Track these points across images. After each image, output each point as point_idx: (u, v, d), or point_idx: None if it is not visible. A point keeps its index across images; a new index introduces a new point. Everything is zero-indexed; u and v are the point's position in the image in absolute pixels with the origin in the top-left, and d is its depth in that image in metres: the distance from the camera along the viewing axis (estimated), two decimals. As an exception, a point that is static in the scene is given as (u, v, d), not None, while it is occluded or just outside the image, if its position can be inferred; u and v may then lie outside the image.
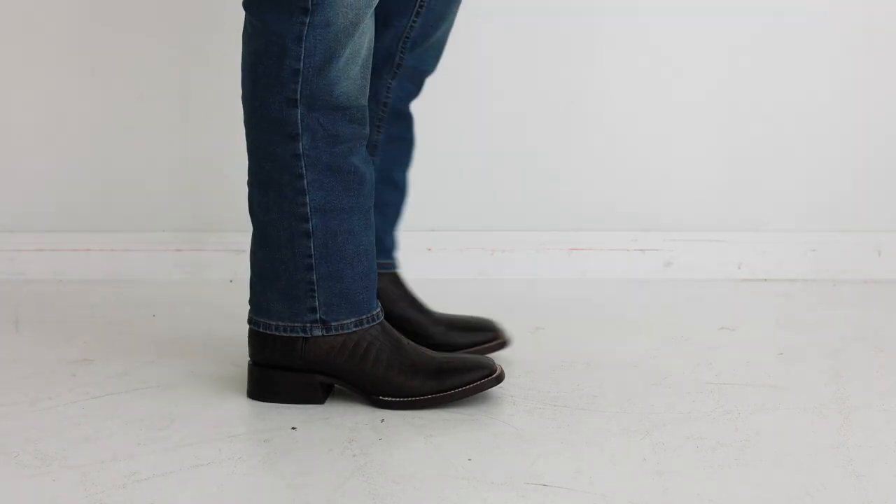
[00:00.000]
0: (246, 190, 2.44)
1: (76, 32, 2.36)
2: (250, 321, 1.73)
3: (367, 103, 1.68)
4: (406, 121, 1.85)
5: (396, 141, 1.85)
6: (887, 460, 1.54)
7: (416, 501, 1.41)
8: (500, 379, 1.68)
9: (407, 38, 1.78)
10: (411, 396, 1.66)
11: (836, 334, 2.06)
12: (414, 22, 1.78)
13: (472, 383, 1.67)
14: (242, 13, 2.37)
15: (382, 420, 1.64)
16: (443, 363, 1.68)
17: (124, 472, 1.47)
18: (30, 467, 1.48)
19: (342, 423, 1.63)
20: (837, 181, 2.44)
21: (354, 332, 1.68)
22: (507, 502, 1.41)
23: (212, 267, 2.39)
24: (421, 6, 1.77)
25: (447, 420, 1.65)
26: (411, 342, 1.72)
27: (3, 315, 2.13)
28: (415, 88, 1.85)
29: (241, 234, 2.41)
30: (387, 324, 1.72)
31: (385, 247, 1.87)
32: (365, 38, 1.63)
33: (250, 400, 1.71)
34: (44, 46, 2.36)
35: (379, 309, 1.71)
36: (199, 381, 1.80)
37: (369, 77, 1.67)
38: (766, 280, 2.42)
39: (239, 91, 2.39)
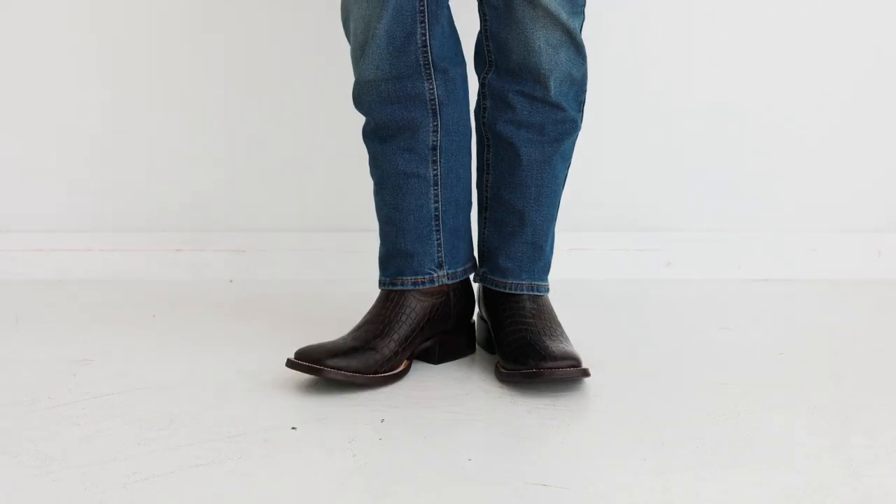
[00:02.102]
0: (246, 189, 2.45)
1: (77, 33, 2.36)
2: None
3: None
4: (504, 142, 1.85)
5: (503, 162, 1.86)
6: (887, 460, 1.54)
7: (416, 501, 1.41)
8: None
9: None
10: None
11: (836, 334, 2.06)
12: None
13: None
14: (243, 13, 2.37)
15: (382, 420, 1.64)
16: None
17: (124, 472, 1.47)
18: (30, 467, 1.48)
19: (342, 423, 1.63)
20: (837, 181, 2.45)
21: None
22: (507, 502, 1.41)
23: (212, 267, 2.39)
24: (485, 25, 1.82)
25: (447, 420, 1.65)
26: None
27: (3, 315, 2.13)
28: (500, 104, 1.84)
29: (241, 233, 2.41)
30: None
31: (497, 265, 1.89)
32: (358, 24, 1.77)
33: (250, 400, 1.72)
34: (43, 47, 2.36)
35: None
36: (199, 381, 1.80)
37: (382, 57, 1.77)
38: (766, 280, 2.42)
39: (238, 91, 2.40)
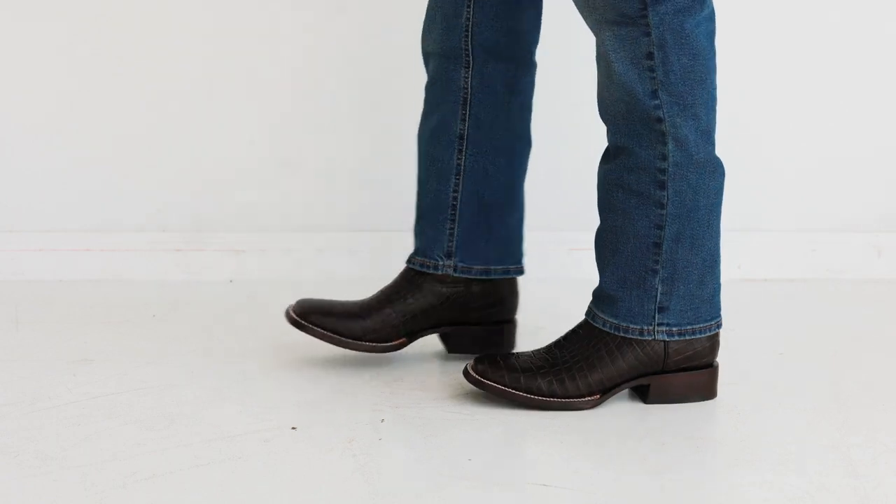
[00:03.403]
0: (246, 189, 2.45)
1: (76, 33, 2.36)
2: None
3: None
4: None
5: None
6: (887, 460, 1.54)
7: (416, 501, 1.41)
8: None
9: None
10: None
11: (836, 334, 2.06)
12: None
13: None
14: (243, 12, 2.37)
15: (382, 420, 1.64)
16: None
17: (124, 472, 1.47)
18: (30, 467, 1.48)
19: (342, 423, 1.63)
20: (837, 181, 2.44)
21: None
22: (507, 502, 1.41)
23: (212, 267, 2.39)
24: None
25: (447, 420, 1.65)
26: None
27: (3, 315, 2.13)
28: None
29: (241, 234, 2.41)
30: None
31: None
32: None
33: (250, 400, 1.72)
34: (42, 46, 2.36)
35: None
36: (199, 381, 1.80)
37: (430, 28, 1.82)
38: (766, 280, 2.42)
39: (238, 91, 2.40)
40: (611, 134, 1.69)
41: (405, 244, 2.41)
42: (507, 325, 1.90)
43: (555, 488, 1.44)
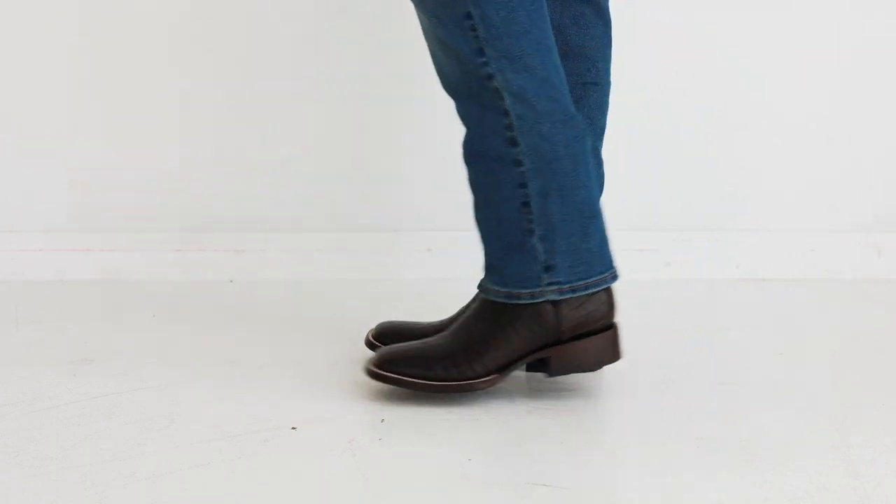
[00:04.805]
0: (246, 189, 2.44)
1: (75, 33, 2.36)
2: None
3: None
4: None
5: None
6: (887, 460, 1.54)
7: (416, 501, 1.41)
8: None
9: None
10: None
11: (836, 334, 2.06)
12: None
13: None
14: (243, 13, 2.37)
15: (382, 420, 1.64)
16: None
17: (124, 472, 1.47)
18: (30, 467, 1.48)
19: (342, 423, 1.63)
20: (837, 181, 2.45)
21: None
22: (506, 502, 1.41)
23: (212, 267, 2.39)
24: None
25: (447, 420, 1.65)
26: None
27: (3, 315, 2.13)
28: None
29: (241, 234, 2.41)
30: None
31: None
32: None
33: (250, 400, 1.71)
34: (42, 46, 2.36)
35: None
36: (200, 380, 1.80)
37: None
38: (765, 280, 2.42)
39: (238, 91, 2.40)
40: (457, 106, 1.70)
41: (405, 244, 2.41)
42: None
43: (555, 488, 1.44)
